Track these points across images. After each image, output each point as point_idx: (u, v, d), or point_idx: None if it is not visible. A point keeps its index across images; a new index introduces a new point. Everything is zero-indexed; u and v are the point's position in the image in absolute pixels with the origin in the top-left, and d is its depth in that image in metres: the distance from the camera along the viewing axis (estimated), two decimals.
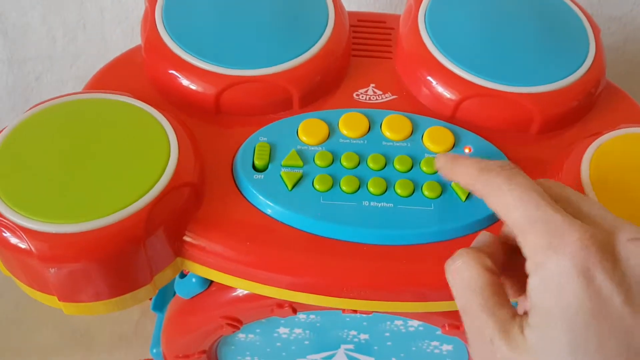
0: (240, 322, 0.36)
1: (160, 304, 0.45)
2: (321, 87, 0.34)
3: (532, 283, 0.22)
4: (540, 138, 0.32)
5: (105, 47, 0.54)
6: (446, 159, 0.27)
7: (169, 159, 0.28)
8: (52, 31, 0.52)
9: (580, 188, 0.28)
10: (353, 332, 0.39)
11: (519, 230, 0.23)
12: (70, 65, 0.55)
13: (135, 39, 0.38)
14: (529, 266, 0.22)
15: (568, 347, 0.20)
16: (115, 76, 0.34)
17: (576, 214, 0.23)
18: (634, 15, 0.53)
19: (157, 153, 0.28)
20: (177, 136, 0.29)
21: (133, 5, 0.51)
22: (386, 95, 0.34)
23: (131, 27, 0.53)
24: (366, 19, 0.38)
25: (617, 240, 0.21)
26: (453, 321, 0.35)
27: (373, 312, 0.35)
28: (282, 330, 0.39)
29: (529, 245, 0.22)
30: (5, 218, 0.26)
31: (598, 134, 0.31)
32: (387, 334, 0.39)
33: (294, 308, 0.34)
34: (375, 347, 0.40)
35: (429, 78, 0.33)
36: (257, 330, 0.39)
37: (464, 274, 0.23)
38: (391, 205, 0.29)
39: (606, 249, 0.21)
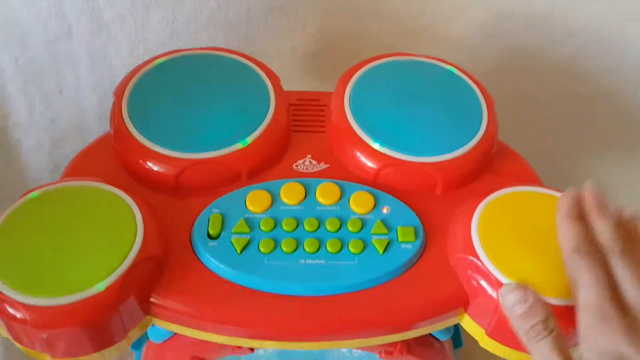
0: None
1: (137, 344, 0.51)
2: (266, 162, 0.40)
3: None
4: (444, 197, 0.39)
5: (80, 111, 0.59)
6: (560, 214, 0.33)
7: (135, 237, 0.34)
8: (30, 98, 0.58)
9: (469, 240, 0.35)
10: None
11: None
12: (46, 129, 0.60)
13: (107, 103, 0.43)
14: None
15: None
16: (91, 161, 0.41)
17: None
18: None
19: (126, 232, 0.34)
20: (142, 216, 0.35)
21: (107, 73, 0.57)
22: (320, 164, 0.41)
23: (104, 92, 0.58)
24: (303, 97, 0.45)
25: None
26: (387, 348, 0.42)
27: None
28: None
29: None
30: (5, 295, 0.32)
31: (489, 191, 0.38)
32: None
33: (251, 347, 0.40)
34: None
35: (353, 151, 0.40)
36: None
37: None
38: (323, 261, 0.36)
39: None
